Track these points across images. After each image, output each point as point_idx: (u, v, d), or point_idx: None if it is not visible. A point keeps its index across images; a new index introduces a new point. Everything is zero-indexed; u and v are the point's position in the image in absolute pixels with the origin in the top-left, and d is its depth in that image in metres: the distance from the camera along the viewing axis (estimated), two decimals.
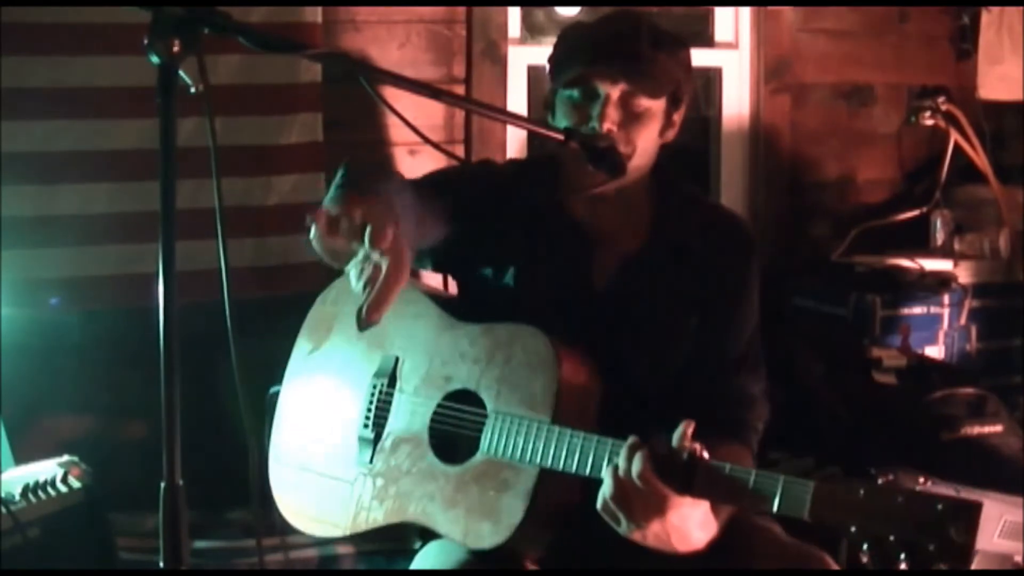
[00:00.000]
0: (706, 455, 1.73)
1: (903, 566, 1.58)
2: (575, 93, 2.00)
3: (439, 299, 2.17)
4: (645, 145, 2.02)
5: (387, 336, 2.14)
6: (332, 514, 2.10)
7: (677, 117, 2.08)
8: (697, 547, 1.81)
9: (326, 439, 2.13)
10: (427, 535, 2.01)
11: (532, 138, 3.58)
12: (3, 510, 2.27)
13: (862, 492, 1.60)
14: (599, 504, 1.78)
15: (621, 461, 1.75)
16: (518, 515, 1.87)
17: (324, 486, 2.12)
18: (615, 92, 1.97)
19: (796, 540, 2.02)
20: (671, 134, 2.08)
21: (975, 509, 1.55)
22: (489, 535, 1.89)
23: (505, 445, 1.91)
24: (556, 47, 2.08)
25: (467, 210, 2.07)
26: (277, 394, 2.26)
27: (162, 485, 1.48)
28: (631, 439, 1.77)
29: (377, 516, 2.04)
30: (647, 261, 2.07)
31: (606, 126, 1.95)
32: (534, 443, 1.88)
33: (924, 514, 1.55)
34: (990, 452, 3.01)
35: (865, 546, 1.59)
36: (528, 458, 1.88)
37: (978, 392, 3.15)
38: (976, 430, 3.06)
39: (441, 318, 2.11)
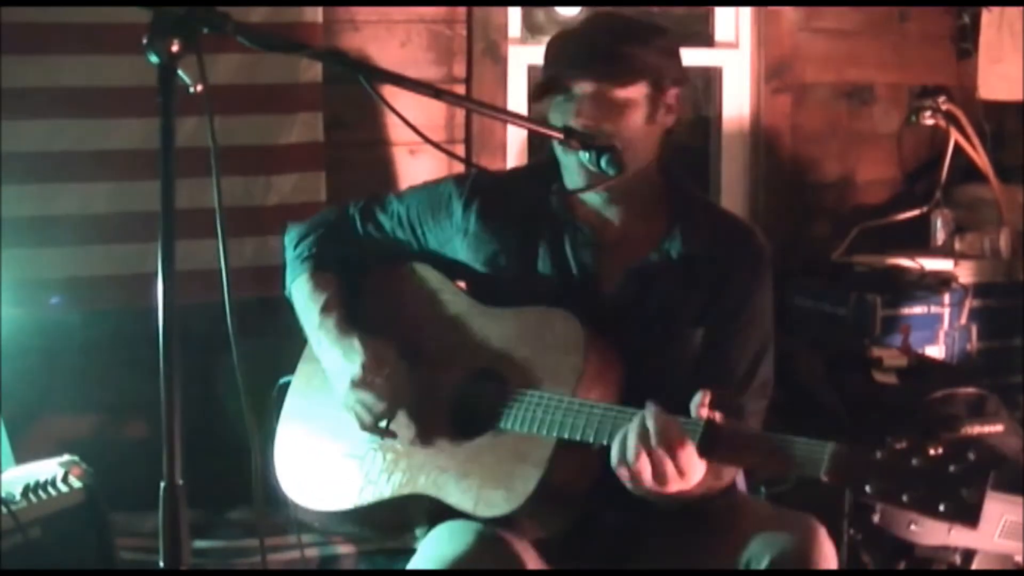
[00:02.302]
0: (724, 420, 1.78)
1: (913, 527, 1.63)
2: (560, 98, 2.02)
3: (466, 288, 2.20)
4: (633, 135, 2.01)
5: (414, 319, 2.16)
6: (337, 488, 2.09)
7: (671, 100, 2.07)
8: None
9: (336, 416, 2.12)
10: (433, 522, 2.00)
11: (532, 138, 3.58)
12: (4, 510, 2.27)
13: (878, 454, 1.65)
14: (615, 461, 1.79)
15: (635, 425, 1.77)
16: (532, 483, 1.88)
17: (331, 461, 2.12)
18: (588, 88, 1.99)
19: (786, 508, 2.03)
20: (668, 119, 2.08)
21: (987, 472, 1.62)
22: (502, 502, 1.90)
23: (523, 419, 1.93)
24: (543, 59, 2.11)
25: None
26: (287, 385, 2.27)
27: (162, 485, 1.49)
28: (648, 405, 1.79)
29: (384, 490, 2.04)
30: (656, 269, 2.07)
31: (581, 122, 1.97)
32: (552, 415, 1.90)
33: (938, 476, 1.62)
34: None
35: (878, 507, 1.63)
36: (546, 430, 1.90)
37: (978, 392, 3.14)
38: (976, 430, 3.05)
39: (470, 304, 2.14)
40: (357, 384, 2.03)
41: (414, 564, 1.96)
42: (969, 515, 1.61)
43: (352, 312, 2.15)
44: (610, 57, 1.99)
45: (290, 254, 2.28)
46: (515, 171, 2.40)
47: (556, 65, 2.05)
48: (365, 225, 2.26)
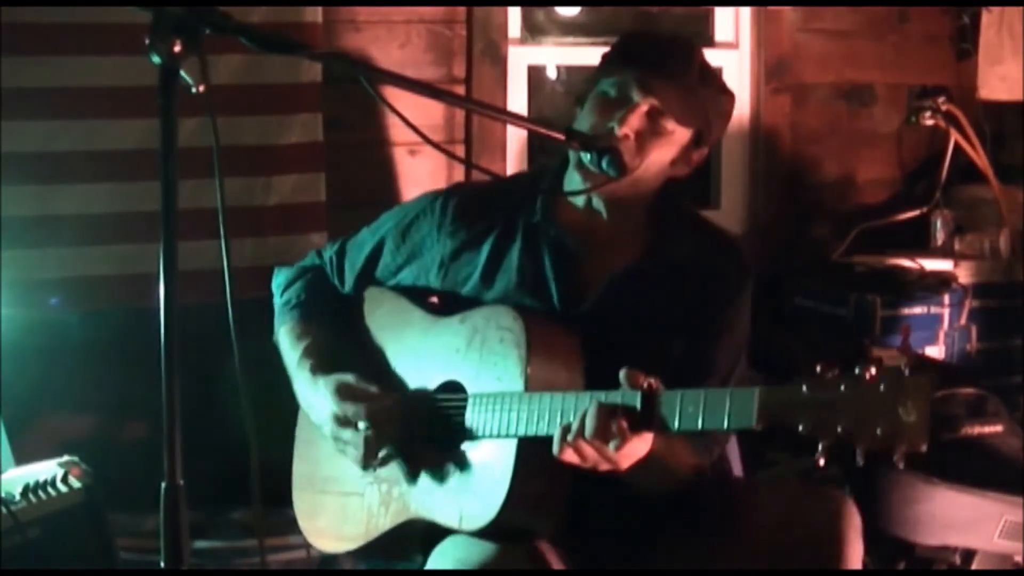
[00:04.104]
0: (660, 386, 1.75)
1: (860, 460, 1.52)
2: (612, 91, 2.01)
3: (423, 302, 2.18)
4: (653, 166, 2.01)
5: (376, 347, 2.17)
6: (348, 529, 2.11)
7: (696, 157, 2.08)
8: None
9: (336, 458, 2.13)
10: (428, 547, 2.00)
11: (532, 138, 3.58)
12: (3, 510, 2.27)
13: (805, 388, 1.57)
14: (555, 450, 1.79)
15: (586, 423, 1.76)
16: (503, 490, 1.87)
17: (340, 503, 2.14)
18: (645, 104, 1.98)
19: (809, 484, 1.99)
20: (682, 170, 2.08)
21: (924, 381, 1.49)
22: (481, 515, 1.89)
23: (484, 424, 1.92)
24: (614, 44, 2.10)
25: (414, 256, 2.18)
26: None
27: (163, 485, 1.49)
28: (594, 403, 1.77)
29: (384, 521, 2.05)
30: (636, 281, 2.05)
31: (623, 131, 1.96)
32: (508, 415, 1.89)
33: (868, 398, 1.51)
34: (990, 452, 3.01)
35: (820, 446, 1.54)
36: (505, 431, 1.89)
37: (978, 392, 3.14)
38: (976, 430, 3.06)
39: (424, 318, 2.13)
40: (335, 437, 2.05)
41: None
42: (912, 435, 1.47)
43: (333, 357, 2.15)
44: (686, 88, 1.98)
45: (277, 300, 2.29)
46: (494, 182, 2.35)
47: (629, 58, 2.02)
48: (343, 267, 2.27)
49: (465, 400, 1.98)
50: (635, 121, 1.97)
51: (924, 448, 1.48)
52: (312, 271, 2.30)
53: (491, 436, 1.91)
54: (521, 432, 1.87)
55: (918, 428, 1.48)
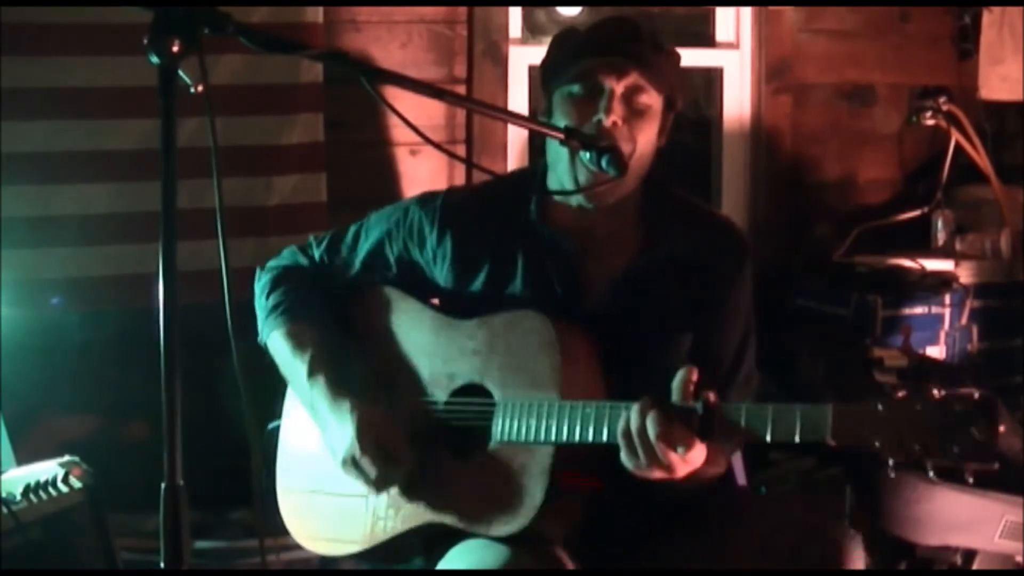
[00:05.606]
0: (718, 400, 1.75)
1: (931, 473, 1.61)
2: (576, 89, 2.00)
3: (432, 304, 2.17)
4: (645, 145, 2.01)
5: (385, 347, 2.14)
6: (347, 531, 2.07)
7: (668, 123, 2.08)
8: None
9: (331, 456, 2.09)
10: (431, 550, 1.98)
11: (533, 138, 3.58)
12: (4, 510, 2.27)
13: (880, 407, 1.62)
14: (624, 460, 1.79)
15: (633, 422, 1.76)
16: (539, 496, 1.87)
17: (336, 505, 2.09)
18: (619, 87, 1.97)
19: (815, 516, 2.02)
20: (662, 140, 2.08)
21: (992, 404, 1.59)
22: (514, 519, 1.88)
23: (517, 430, 1.91)
24: (551, 50, 2.09)
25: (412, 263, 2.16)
26: (276, 430, 2.23)
27: (163, 485, 1.48)
28: (642, 400, 1.77)
29: (395, 524, 2.02)
30: (641, 277, 2.05)
31: (611, 120, 1.95)
32: (546, 422, 1.88)
33: (945, 418, 1.59)
34: None
35: (891, 461, 1.61)
36: (542, 437, 1.88)
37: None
38: None
39: (435, 319, 2.11)
40: (348, 463, 1.99)
41: None
42: (984, 452, 1.56)
43: (344, 370, 2.10)
44: (647, 59, 1.98)
45: (262, 302, 2.19)
46: (487, 185, 2.33)
47: (585, 54, 2.01)
48: (332, 264, 2.21)
49: (489, 405, 1.97)
50: (618, 107, 1.97)
51: (996, 467, 1.58)
52: (299, 270, 2.22)
53: (525, 442, 1.90)
54: (562, 439, 1.86)
55: (990, 447, 1.57)
